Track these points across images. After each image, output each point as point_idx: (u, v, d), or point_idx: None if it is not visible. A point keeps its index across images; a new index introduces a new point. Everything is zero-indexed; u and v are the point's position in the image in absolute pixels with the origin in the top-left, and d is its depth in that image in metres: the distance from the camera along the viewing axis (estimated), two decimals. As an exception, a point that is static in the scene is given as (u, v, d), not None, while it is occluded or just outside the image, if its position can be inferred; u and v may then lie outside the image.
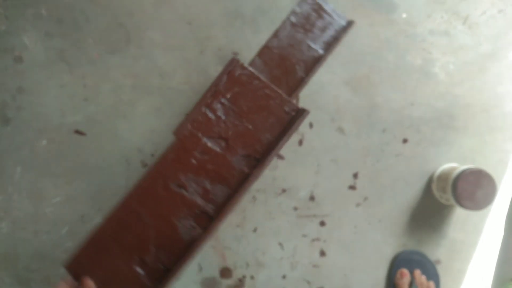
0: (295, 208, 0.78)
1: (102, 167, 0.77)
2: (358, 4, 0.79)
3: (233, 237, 0.77)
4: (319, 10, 0.62)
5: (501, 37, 0.79)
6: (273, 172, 0.78)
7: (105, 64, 0.78)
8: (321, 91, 0.79)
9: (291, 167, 0.78)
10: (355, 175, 0.78)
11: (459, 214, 0.78)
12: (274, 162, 0.78)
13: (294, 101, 0.56)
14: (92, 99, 0.77)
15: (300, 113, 0.54)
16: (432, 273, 0.75)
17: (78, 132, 0.77)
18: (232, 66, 0.55)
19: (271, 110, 0.55)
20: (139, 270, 0.53)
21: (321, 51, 0.60)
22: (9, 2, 0.78)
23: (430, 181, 0.78)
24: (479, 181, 0.68)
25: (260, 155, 0.55)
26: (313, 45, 0.61)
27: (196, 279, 0.77)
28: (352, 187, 0.78)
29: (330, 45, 0.61)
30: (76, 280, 0.53)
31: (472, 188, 0.68)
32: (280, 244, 0.78)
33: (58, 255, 0.76)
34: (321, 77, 0.79)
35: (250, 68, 0.55)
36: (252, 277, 0.77)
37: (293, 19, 0.61)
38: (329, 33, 0.62)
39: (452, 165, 0.77)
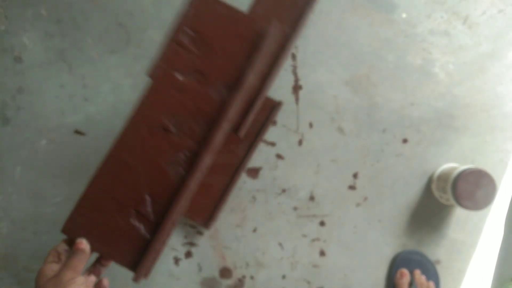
0: (295, 208, 0.78)
1: (102, 167, 0.77)
2: (358, 4, 0.79)
3: (233, 237, 0.77)
4: None
5: (501, 37, 0.79)
6: (273, 172, 0.78)
7: (105, 64, 0.78)
8: (320, 91, 0.79)
9: (291, 167, 0.78)
10: (355, 175, 0.78)
11: (459, 214, 0.78)
12: (274, 161, 0.78)
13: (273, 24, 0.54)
14: (92, 99, 0.77)
15: (269, 29, 0.52)
16: (432, 273, 0.75)
17: (78, 132, 0.77)
18: None
19: (239, 33, 0.53)
20: (136, 223, 0.51)
21: None
22: (9, 2, 0.78)
23: (430, 181, 0.78)
24: (479, 181, 0.68)
25: (237, 80, 0.53)
26: None
27: (196, 279, 0.77)
28: (352, 187, 0.78)
29: None
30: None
31: (472, 188, 0.68)
32: (280, 244, 0.78)
33: (58, 255, 0.76)
34: (321, 77, 0.79)
35: None
36: (252, 277, 0.77)
37: None
38: None
39: (452, 165, 0.77)
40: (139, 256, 0.50)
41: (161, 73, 0.53)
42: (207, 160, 0.53)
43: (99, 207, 0.51)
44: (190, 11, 0.53)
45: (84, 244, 0.49)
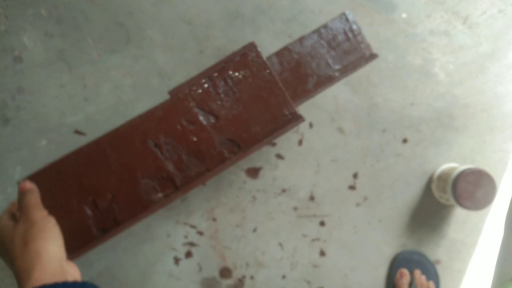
0: (295, 208, 0.78)
1: (102, 167, 0.77)
2: (358, 4, 0.79)
3: (233, 237, 0.77)
4: (350, 33, 0.61)
5: (501, 37, 0.79)
6: (273, 172, 0.78)
7: (105, 64, 0.78)
8: (321, 91, 0.79)
9: (291, 167, 0.78)
10: (355, 175, 0.78)
11: (459, 214, 0.78)
12: (274, 161, 0.78)
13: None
14: (92, 99, 0.77)
15: (296, 118, 0.54)
16: (432, 273, 0.75)
17: (78, 132, 0.77)
18: (248, 49, 0.54)
19: (270, 106, 0.55)
20: (88, 211, 0.52)
21: (337, 73, 0.60)
22: (9, 2, 0.78)
23: (430, 181, 0.78)
24: (479, 181, 0.68)
25: (243, 144, 0.54)
26: (331, 64, 0.60)
27: (196, 279, 0.77)
28: (352, 187, 0.78)
29: (347, 70, 0.61)
30: None
31: (472, 188, 0.68)
32: (280, 244, 0.78)
33: (58, 255, 0.76)
34: (321, 77, 0.79)
35: (264, 58, 0.54)
36: (252, 277, 0.77)
37: (322, 31, 0.60)
38: (350, 58, 0.62)
39: (452, 165, 0.77)
40: (75, 240, 0.51)
41: (181, 97, 0.54)
42: (181, 195, 0.54)
43: (62, 180, 0.52)
44: (237, 60, 0.54)
45: (29, 183, 0.48)
